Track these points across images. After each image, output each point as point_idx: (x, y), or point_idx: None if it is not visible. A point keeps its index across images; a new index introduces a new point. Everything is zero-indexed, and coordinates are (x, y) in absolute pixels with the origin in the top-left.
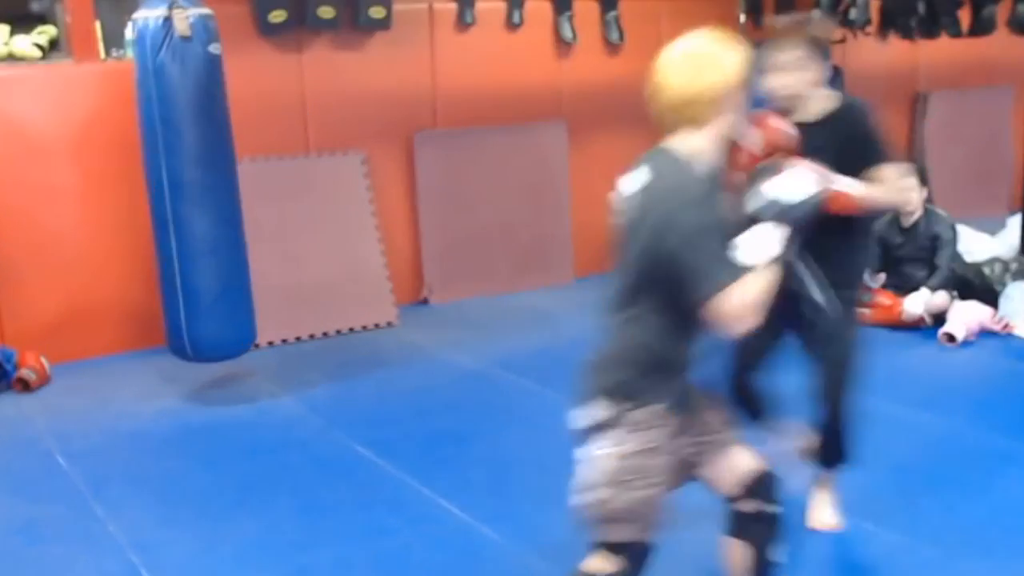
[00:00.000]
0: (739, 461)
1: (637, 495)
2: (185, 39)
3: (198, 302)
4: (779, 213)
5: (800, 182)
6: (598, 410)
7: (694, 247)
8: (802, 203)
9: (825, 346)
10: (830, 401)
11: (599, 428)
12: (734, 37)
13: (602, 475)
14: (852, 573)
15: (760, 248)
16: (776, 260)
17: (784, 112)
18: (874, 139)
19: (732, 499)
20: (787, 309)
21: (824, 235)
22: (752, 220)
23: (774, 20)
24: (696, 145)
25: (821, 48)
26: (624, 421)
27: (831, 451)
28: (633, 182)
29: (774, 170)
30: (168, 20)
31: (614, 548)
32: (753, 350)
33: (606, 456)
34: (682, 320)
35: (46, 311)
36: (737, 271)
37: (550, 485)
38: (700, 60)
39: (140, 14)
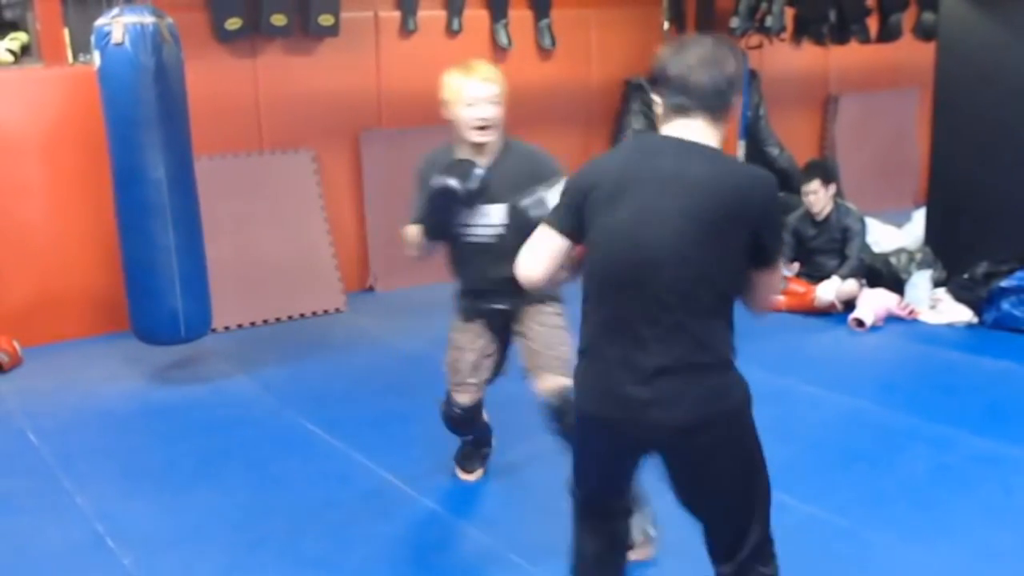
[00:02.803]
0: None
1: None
2: (167, 44)
3: (193, 285)
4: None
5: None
6: None
7: None
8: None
9: None
10: None
11: None
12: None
13: None
14: None
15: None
16: None
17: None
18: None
19: None
20: None
21: None
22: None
23: None
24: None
25: None
26: None
27: None
28: None
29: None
30: (157, 26)
31: None
32: None
33: None
34: None
35: (18, 298)
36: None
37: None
38: None
39: (129, 19)
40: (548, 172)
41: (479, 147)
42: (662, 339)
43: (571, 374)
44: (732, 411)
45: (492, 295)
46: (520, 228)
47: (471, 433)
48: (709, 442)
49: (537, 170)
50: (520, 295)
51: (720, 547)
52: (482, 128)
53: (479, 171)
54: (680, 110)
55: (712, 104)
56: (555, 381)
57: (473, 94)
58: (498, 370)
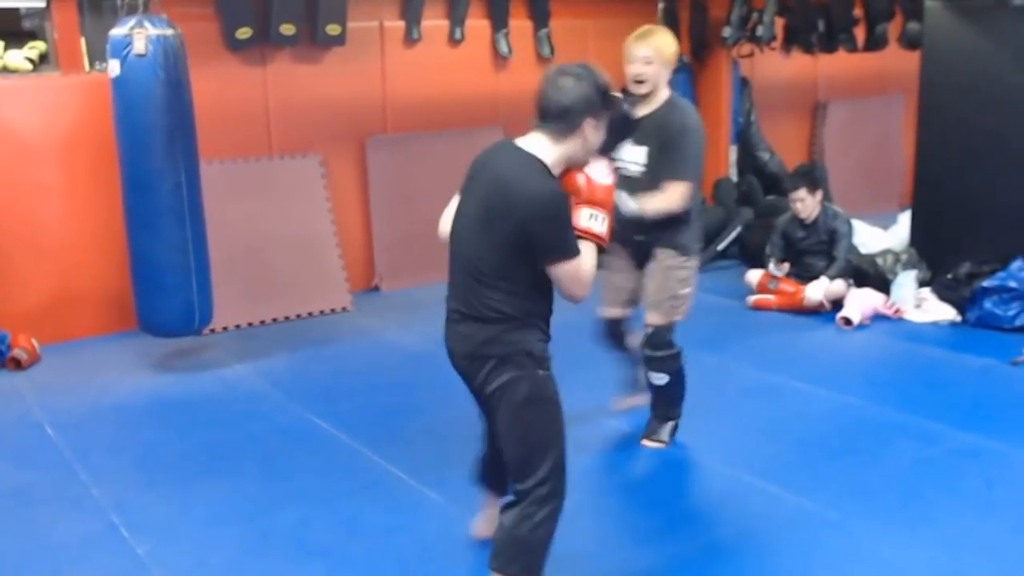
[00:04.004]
0: None
1: None
2: (181, 55)
3: (204, 279)
4: None
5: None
6: None
7: None
8: None
9: None
10: None
11: None
12: None
13: None
14: (759, 533)
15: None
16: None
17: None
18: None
19: None
20: None
21: None
22: None
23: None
24: None
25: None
26: None
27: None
28: None
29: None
30: (174, 38)
31: None
32: None
33: None
34: None
35: (36, 297)
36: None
37: None
38: None
39: (151, 31)
40: (672, 130)
41: (641, 98)
42: (465, 296)
43: (672, 316)
44: (504, 355)
45: (633, 225)
46: (656, 169)
47: (616, 350)
48: (484, 376)
49: (667, 125)
50: (655, 230)
51: (510, 476)
52: (637, 82)
53: (625, 105)
54: (535, 124)
55: (554, 123)
56: (651, 318)
57: (630, 52)
58: (637, 297)
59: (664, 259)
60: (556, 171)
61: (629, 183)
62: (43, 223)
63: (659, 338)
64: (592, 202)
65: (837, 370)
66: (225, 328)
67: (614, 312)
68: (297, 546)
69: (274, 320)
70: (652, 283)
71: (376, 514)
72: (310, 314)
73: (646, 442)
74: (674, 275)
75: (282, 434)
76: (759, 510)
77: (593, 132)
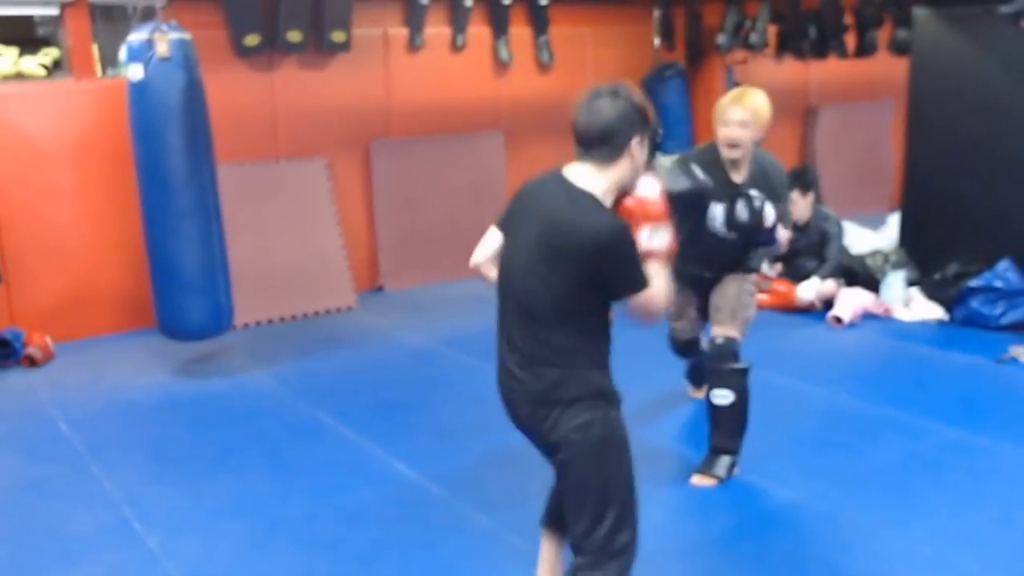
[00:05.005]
0: None
1: None
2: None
3: (227, 280)
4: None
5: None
6: None
7: None
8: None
9: None
10: None
11: None
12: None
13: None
14: (752, 525)
15: None
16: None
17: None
18: None
19: None
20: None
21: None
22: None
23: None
24: None
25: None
26: None
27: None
28: None
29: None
30: (192, 41)
31: None
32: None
33: None
34: None
35: (50, 296)
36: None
37: (487, 447)
38: None
39: (173, 34)
40: (775, 188)
41: (733, 162)
42: (524, 340)
43: (742, 329)
44: (575, 397)
45: (708, 268)
46: (746, 226)
47: (692, 357)
48: (552, 421)
49: (767, 184)
50: (726, 266)
51: (572, 533)
52: (730, 146)
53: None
54: (578, 155)
55: (599, 149)
56: (722, 329)
57: (725, 115)
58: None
59: (737, 280)
60: (608, 200)
61: (721, 244)
62: (57, 224)
63: (728, 350)
64: (648, 218)
65: (827, 367)
66: (234, 327)
67: (687, 336)
68: (304, 538)
69: (281, 319)
70: (724, 294)
71: (380, 507)
72: (316, 313)
73: (697, 479)
74: (745, 288)
75: (289, 429)
76: (750, 503)
77: (639, 150)
